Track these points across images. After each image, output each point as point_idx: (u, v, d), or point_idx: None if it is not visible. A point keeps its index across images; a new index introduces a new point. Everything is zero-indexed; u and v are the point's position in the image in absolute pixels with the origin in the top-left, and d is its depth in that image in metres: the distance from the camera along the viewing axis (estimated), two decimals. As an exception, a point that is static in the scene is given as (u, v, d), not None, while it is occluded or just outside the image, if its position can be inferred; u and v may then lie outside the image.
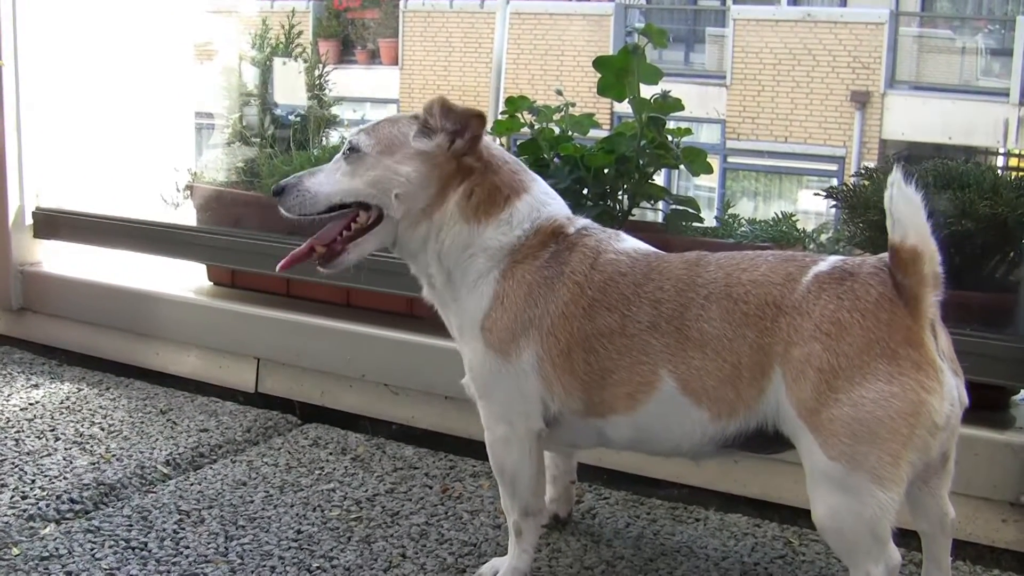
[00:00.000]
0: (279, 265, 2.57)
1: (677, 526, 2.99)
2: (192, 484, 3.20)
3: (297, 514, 3.01)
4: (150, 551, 2.77)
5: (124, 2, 4.92)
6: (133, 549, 2.78)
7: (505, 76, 4.28)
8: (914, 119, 15.70)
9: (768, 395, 2.19)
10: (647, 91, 3.46)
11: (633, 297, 2.33)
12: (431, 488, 3.20)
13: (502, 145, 3.12)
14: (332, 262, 2.54)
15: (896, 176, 2.07)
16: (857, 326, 2.09)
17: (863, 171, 3.47)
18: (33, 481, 3.17)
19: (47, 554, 2.73)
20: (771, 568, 2.75)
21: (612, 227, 2.57)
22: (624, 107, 3.52)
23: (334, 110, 4.62)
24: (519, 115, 3.60)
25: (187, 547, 2.79)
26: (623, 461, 3.17)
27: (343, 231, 2.53)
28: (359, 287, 3.80)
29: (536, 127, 3.59)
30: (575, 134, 3.59)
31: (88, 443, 3.47)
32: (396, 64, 18.35)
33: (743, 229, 3.51)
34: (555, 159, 3.50)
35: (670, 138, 3.48)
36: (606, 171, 3.45)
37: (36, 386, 4.02)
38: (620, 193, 3.51)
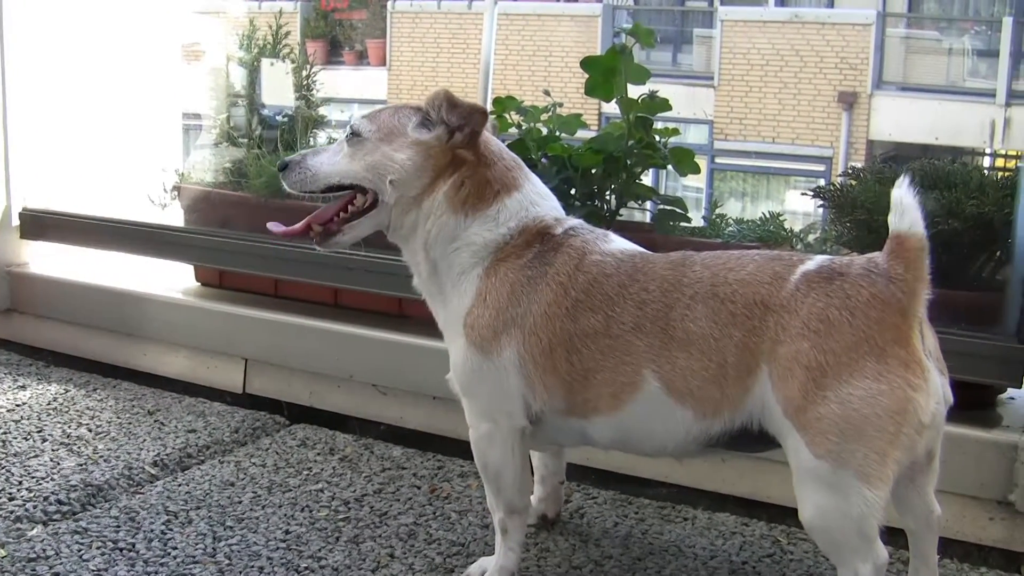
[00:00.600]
0: (275, 227, 2.62)
1: (665, 525, 3.00)
2: (180, 485, 3.19)
3: (285, 514, 3.00)
4: (138, 552, 2.76)
5: (112, 2, 4.91)
6: (121, 550, 2.77)
7: (493, 77, 4.28)
8: (901, 120, 15.74)
9: (754, 394, 2.19)
10: (635, 91, 3.47)
11: (617, 298, 2.33)
12: (419, 488, 3.20)
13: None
14: (328, 241, 2.59)
15: (903, 180, 2.11)
16: (847, 324, 2.09)
17: (850, 171, 3.48)
18: (20, 482, 3.16)
19: (34, 556, 2.72)
20: (759, 567, 2.76)
21: (600, 227, 2.57)
22: (612, 108, 3.53)
23: (322, 111, 4.61)
24: (507, 115, 3.61)
25: (175, 548, 2.79)
26: (611, 461, 3.17)
27: (340, 212, 2.57)
28: (347, 287, 3.80)
29: (524, 127, 3.60)
30: (563, 134, 3.59)
31: (75, 444, 3.46)
32: (384, 65, 18.34)
33: (731, 229, 3.52)
34: (543, 159, 3.51)
35: (658, 138, 3.49)
36: (594, 171, 3.45)
37: (23, 387, 4.00)
38: (608, 193, 3.52)
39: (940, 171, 3.21)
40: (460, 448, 3.31)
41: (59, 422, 3.65)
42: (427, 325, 2.71)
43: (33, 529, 2.90)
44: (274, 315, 3.89)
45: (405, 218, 2.54)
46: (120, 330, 4.25)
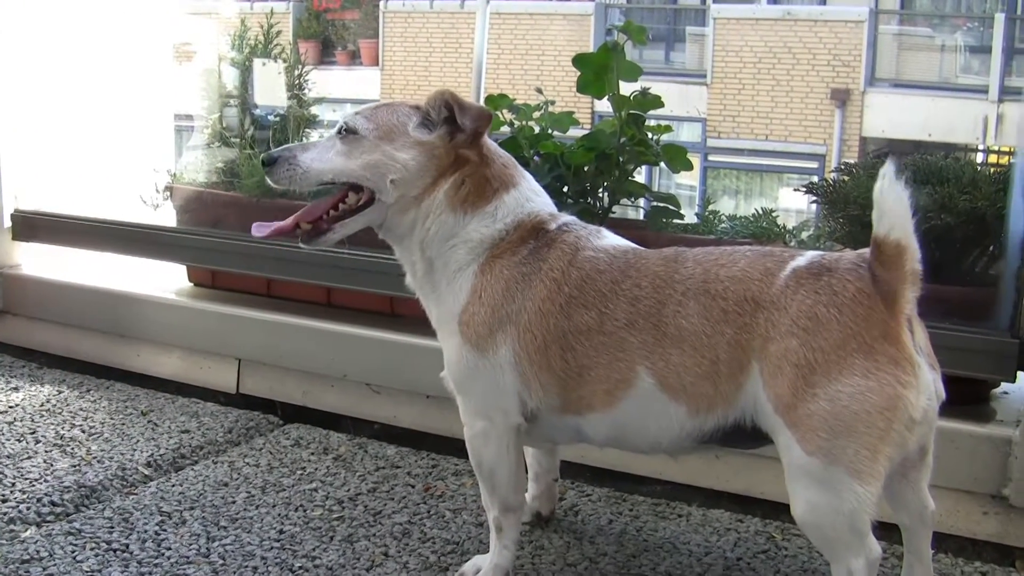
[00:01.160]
0: (259, 229, 2.56)
1: (660, 522, 3.00)
2: (173, 485, 3.19)
3: (279, 514, 3.00)
4: (132, 553, 2.76)
5: (103, 3, 4.90)
6: (115, 551, 2.76)
7: (485, 76, 4.28)
8: (894, 116, 15.74)
9: (746, 390, 2.19)
10: (627, 89, 3.46)
11: (610, 294, 2.33)
12: (413, 487, 3.20)
13: None
14: (316, 240, 2.55)
15: (887, 169, 2.06)
16: (834, 321, 2.09)
17: (842, 167, 3.48)
18: (13, 484, 3.15)
19: (28, 557, 2.71)
20: (754, 563, 2.76)
21: (593, 224, 2.57)
22: (604, 107, 3.52)
23: (314, 110, 4.61)
24: (499, 113, 3.60)
25: (169, 548, 2.78)
26: (606, 458, 3.17)
27: (330, 210, 2.54)
28: (340, 287, 3.80)
29: (516, 125, 3.59)
30: (555, 132, 3.59)
31: (69, 445, 3.45)
32: (377, 65, 18.31)
33: (724, 226, 3.52)
34: (535, 157, 3.51)
35: (650, 135, 3.49)
36: (586, 168, 3.45)
37: (16, 389, 4.00)
38: (600, 190, 3.52)
39: (933, 166, 3.21)
40: (454, 446, 3.31)
41: (52, 423, 3.64)
42: (420, 324, 2.70)
43: (27, 530, 2.89)
44: (267, 315, 3.89)
45: (403, 217, 2.52)
46: (113, 331, 4.24)
